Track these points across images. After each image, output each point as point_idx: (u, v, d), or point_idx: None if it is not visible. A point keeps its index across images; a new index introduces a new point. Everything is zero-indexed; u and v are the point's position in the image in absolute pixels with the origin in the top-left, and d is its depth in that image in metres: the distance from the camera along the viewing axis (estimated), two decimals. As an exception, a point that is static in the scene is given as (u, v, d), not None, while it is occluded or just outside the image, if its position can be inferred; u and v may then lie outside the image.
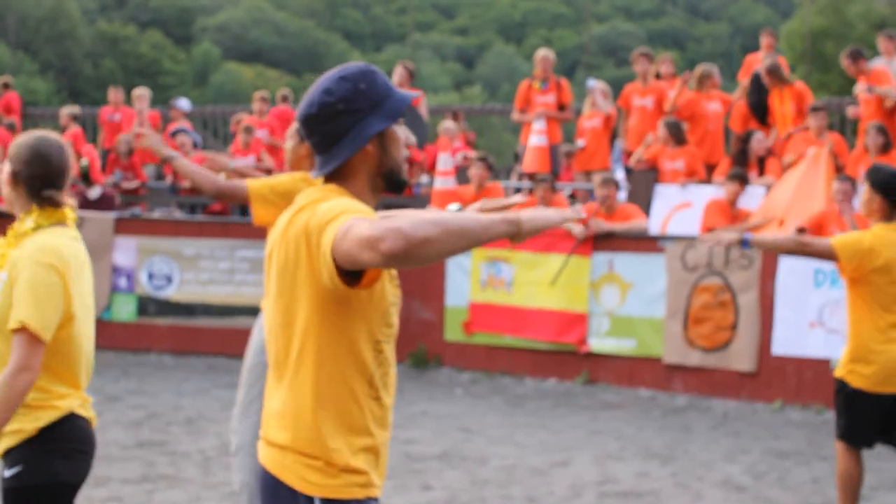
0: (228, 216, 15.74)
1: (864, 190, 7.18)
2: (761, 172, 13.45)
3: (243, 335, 14.71)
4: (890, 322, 7.08)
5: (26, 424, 4.27)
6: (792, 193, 12.33)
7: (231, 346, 14.57)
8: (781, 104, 14.13)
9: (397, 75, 16.28)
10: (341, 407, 3.33)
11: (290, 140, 6.83)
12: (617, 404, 12.18)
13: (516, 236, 3.14)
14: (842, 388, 7.28)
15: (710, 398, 12.17)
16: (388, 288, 3.36)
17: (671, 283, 12.45)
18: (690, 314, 12.32)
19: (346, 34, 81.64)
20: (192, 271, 14.66)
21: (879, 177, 7.10)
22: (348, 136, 3.34)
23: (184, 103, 19.16)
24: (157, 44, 69.20)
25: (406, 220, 2.94)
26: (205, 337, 14.70)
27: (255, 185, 6.51)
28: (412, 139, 3.37)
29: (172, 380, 13.19)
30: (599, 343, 12.85)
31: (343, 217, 3.12)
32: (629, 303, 12.70)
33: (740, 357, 12.01)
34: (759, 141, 13.54)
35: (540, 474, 9.17)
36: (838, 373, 7.31)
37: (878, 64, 14.44)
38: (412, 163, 15.10)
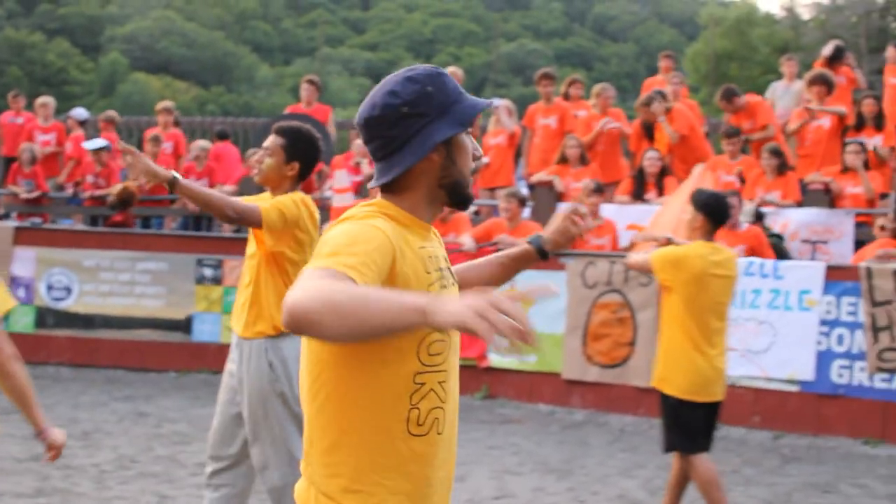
0: (130, 228, 15.60)
1: (689, 211, 7.74)
2: (660, 191, 13.64)
3: (143, 347, 14.64)
4: (701, 333, 7.52)
5: None
6: (678, 210, 12.56)
7: (130, 358, 14.46)
8: (660, 131, 14.39)
9: (304, 90, 16.32)
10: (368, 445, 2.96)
11: (273, 157, 6.14)
12: (516, 419, 12.25)
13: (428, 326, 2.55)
14: (664, 399, 7.67)
15: (607, 413, 12.30)
16: None
17: (571, 300, 12.57)
18: (590, 330, 12.45)
19: (256, 47, 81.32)
20: (92, 283, 14.51)
21: (702, 199, 7.68)
22: (412, 142, 3.00)
23: (79, 112, 18.95)
24: (64, 52, 68.42)
25: (302, 290, 2.54)
26: (104, 349, 14.55)
27: (269, 213, 5.88)
28: (480, 151, 2.78)
29: (70, 392, 13.03)
30: (499, 358, 12.92)
31: (311, 264, 2.75)
32: (530, 318, 12.73)
33: (638, 373, 12.15)
34: (650, 160, 13.73)
35: (457, 483, 9.17)
36: (655, 384, 7.68)
37: (753, 98, 14.87)
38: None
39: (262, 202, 5.96)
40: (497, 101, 15.73)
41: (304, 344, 3.01)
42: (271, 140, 6.12)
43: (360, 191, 15.09)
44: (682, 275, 7.52)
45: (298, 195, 6.07)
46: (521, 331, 2.55)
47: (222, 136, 18.24)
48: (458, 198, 3.12)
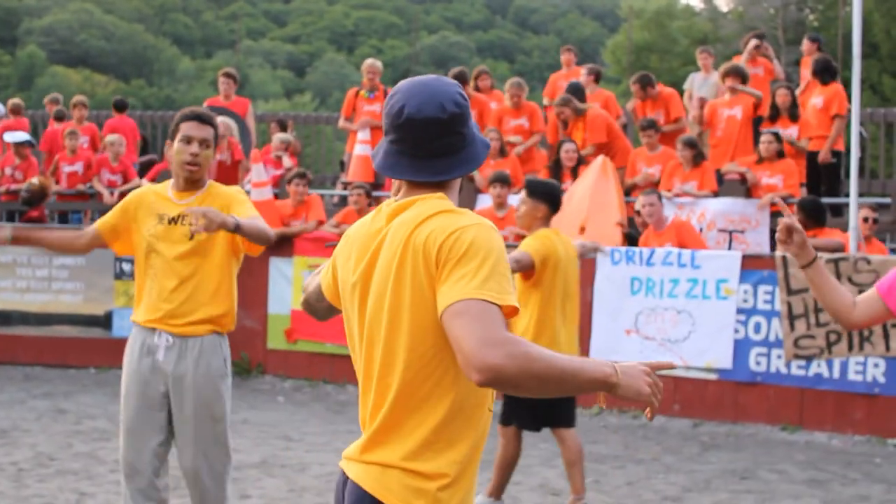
0: (46, 223, 15.42)
1: (523, 201, 7.98)
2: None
3: (61, 344, 14.49)
4: (562, 314, 7.92)
5: None
6: (588, 202, 12.70)
7: (49, 355, 14.30)
8: (575, 127, 14.48)
9: (221, 84, 16.22)
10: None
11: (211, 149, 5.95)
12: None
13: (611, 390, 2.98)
14: None
15: (529, 404, 12.34)
16: None
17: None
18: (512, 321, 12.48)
19: (176, 39, 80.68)
20: (9, 279, 14.34)
21: (540, 188, 8.04)
22: (476, 139, 3.23)
23: None
24: (-21, 46, 67.47)
25: (502, 351, 2.80)
26: (21, 346, 14.38)
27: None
28: None
29: (-13, 390, 12.88)
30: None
31: (478, 292, 2.92)
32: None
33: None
34: (567, 151, 13.80)
35: (359, 481, 9.17)
36: None
37: (666, 89, 15.08)
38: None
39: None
40: None
41: (409, 330, 3.10)
42: (207, 130, 5.93)
43: (280, 184, 15.05)
44: (549, 264, 7.83)
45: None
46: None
47: (120, 108, 18.01)
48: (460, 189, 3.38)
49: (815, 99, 13.82)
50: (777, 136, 13.08)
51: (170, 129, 5.98)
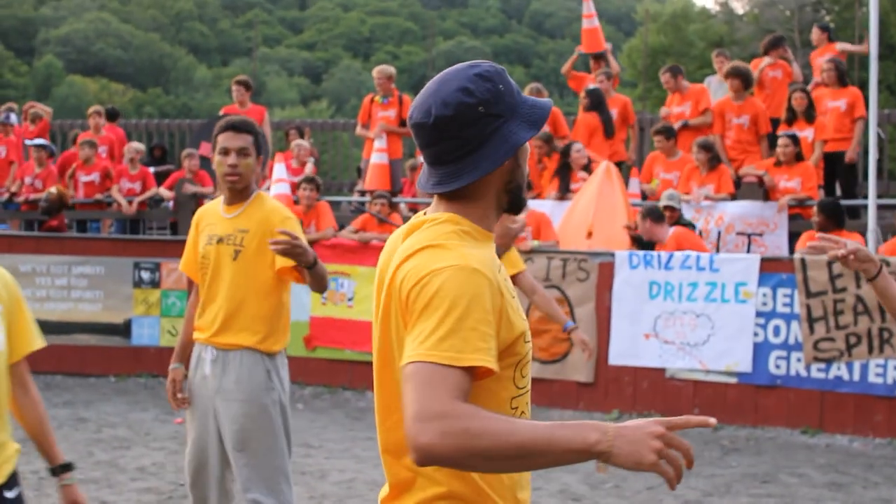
0: (66, 232, 15.48)
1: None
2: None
3: (81, 353, 14.52)
4: None
5: None
6: (594, 208, 12.73)
7: (69, 363, 14.34)
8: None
9: (235, 92, 16.32)
10: None
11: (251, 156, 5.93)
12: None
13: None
14: None
15: (548, 409, 12.33)
16: (521, 347, 2.83)
17: (510, 296, 12.57)
18: (529, 326, 12.46)
19: (192, 48, 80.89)
20: (29, 288, 14.37)
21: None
22: (488, 144, 2.75)
23: (11, 117, 18.76)
24: (-3, 56, 67.69)
25: (435, 428, 2.42)
26: (42, 355, 14.28)
27: None
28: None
29: (7, 399, 12.90)
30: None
31: (426, 350, 2.53)
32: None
33: (578, 368, 12.21)
34: (578, 151, 13.79)
35: (378, 488, 9.17)
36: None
37: (697, 86, 15.04)
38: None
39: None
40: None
41: (396, 380, 2.79)
42: (244, 139, 5.89)
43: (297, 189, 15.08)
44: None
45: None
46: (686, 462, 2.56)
47: (111, 117, 18.04)
48: (519, 202, 2.93)
49: (836, 102, 13.78)
50: (794, 139, 13.06)
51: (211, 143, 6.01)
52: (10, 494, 4.12)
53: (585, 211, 12.83)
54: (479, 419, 2.43)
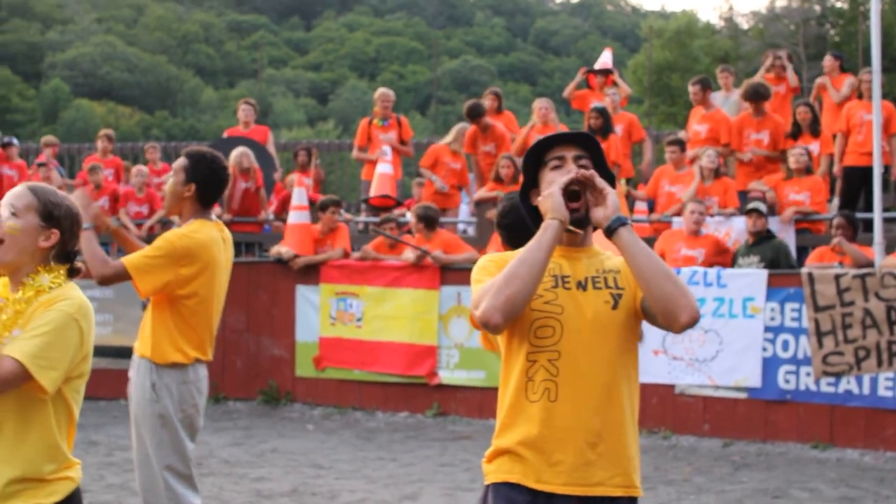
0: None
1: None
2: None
3: (91, 376, 14.26)
4: None
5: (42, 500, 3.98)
6: None
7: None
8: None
9: (240, 112, 16.46)
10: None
11: (174, 176, 6.30)
12: (467, 435, 12.27)
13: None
14: None
15: (558, 427, 12.31)
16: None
17: (519, 315, 12.58)
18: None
19: (199, 70, 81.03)
20: (38, 312, 14.40)
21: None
22: None
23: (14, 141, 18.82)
24: (4, 80, 67.70)
25: (482, 301, 3.81)
26: (52, 379, 14.41)
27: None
28: None
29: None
30: (449, 375, 12.95)
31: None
32: (478, 335, 12.80)
33: (587, 385, 12.18)
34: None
35: (389, 507, 9.20)
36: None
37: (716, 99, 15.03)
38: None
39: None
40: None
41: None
42: (178, 162, 6.38)
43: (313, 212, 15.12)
44: None
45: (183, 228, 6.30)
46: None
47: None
48: None
49: (871, 115, 13.74)
50: (807, 152, 13.11)
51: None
52: None
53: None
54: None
